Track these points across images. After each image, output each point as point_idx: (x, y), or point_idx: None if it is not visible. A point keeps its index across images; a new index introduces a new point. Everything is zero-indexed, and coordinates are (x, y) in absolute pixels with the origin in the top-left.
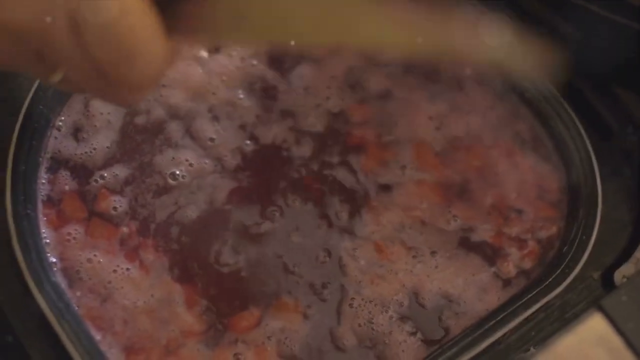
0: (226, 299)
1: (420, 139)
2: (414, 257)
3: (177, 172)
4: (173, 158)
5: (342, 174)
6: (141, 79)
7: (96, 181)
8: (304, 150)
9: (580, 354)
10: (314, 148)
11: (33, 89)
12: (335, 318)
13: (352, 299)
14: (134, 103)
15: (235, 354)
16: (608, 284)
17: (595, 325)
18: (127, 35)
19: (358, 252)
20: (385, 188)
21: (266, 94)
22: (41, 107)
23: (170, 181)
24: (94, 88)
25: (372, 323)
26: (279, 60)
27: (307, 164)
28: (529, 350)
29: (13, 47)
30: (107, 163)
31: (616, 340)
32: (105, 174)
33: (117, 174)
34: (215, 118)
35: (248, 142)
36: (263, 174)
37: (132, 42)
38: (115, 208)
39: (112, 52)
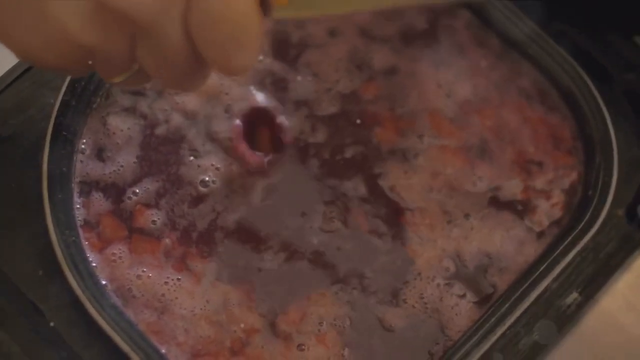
0: (277, 294)
1: (432, 107)
2: (449, 222)
3: (207, 179)
4: (199, 166)
5: (365, 152)
6: (242, 67)
7: (130, 198)
8: (322, 136)
9: (638, 288)
10: (332, 132)
11: (53, 117)
12: (384, 296)
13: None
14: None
15: (299, 345)
16: (633, 219)
17: None
18: (241, 14)
19: (395, 224)
20: (409, 155)
21: (277, 87)
22: (64, 133)
23: (202, 189)
24: (169, 78)
25: (423, 297)
26: (284, 52)
27: (327, 148)
28: (572, 294)
29: (109, 31)
30: (137, 178)
31: None
32: (137, 190)
33: (148, 188)
34: (232, 118)
35: None
36: (290, 167)
37: (244, 22)
38: (154, 222)
39: (222, 33)
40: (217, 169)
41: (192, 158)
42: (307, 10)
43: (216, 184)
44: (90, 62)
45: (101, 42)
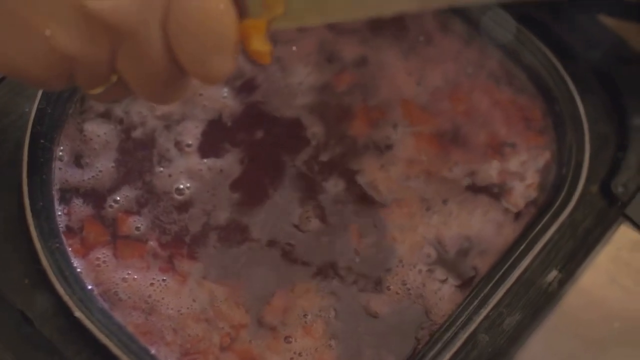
0: (261, 288)
1: (404, 96)
2: (427, 209)
3: (181, 187)
4: (170, 175)
5: (341, 146)
6: (221, 73)
7: (111, 206)
8: (298, 130)
9: (621, 260)
10: (307, 127)
11: (30, 126)
12: (368, 285)
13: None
14: (174, 102)
15: (286, 337)
16: (607, 195)
17: (626, 234)
18: (219, 23)
19: (374, 218)
20: (384, 148)
21: (248, 86)
22: (42, 141)
23: (178, 197)
24: (148, 89)
25: (406, 284)
26: None
27: (305, 143)
28: (551, 272)
29: (91, 40)
30: (116, 185)
31: None
32: (118, 198)
33: (128, 196)
34: (204, 121)
35: (242, 136)
36: (267, 163)
37: (221, 29)
38: (137, 228)
39: (200, 40)
40: (190, 175)
41: (165, 163)
42: (305, 20)
43: (191, 190)
44: (71, 74)
45: (83, 51)
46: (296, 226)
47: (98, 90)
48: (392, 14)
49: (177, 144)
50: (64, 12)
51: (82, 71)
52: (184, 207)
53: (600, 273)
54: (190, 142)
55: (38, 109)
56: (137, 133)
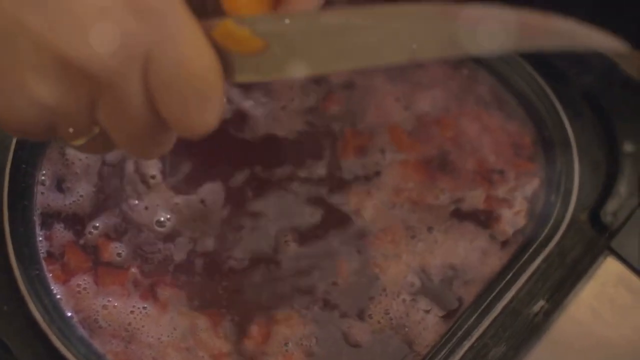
0: (243, 316)
1: (392, 121)
2: (412, 237)
3: (162, 219)
4: (146, 208)
5: (327, 172)
6: (204, 126)
7: (90, 233)
8: (285, 154)
9: (605, 296)
10: (291, 153)
11: (12, 150)
12: (350, 313)
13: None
14: (159, 155)
15: None
16: (596, 223)
17: (611, 268)
18: (201, 76)
19: (358, 245)
20: (372, 174)
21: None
22: (24, 165)
23: (159, 229)
24: (130, 142)
25: (389, 313)
26: None
27: (290, 166)
28: (538, 302)
29: (69, 90)
30: (97, 210)
31: (634, 279)
32: (98, 224)
33: (107, 223)
34: (175, 154)
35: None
36: (247, 189)
37: (204, 84)
38: (119, 254)
39: (181, 94)
40: (171, 207)
41: (136, 202)
42: (284, 71)
43: (171, 221)
44: (51, 126)
45: (61, 102)
46: (277, 251)
47: (80, 142)
48: (383, 65)
49: (142, 176)
50: (41, 60)
51: (62, 122)
52: (163, 235)
53: (583, 308)
54: (154, 174)
55: None
56: (110, 157)
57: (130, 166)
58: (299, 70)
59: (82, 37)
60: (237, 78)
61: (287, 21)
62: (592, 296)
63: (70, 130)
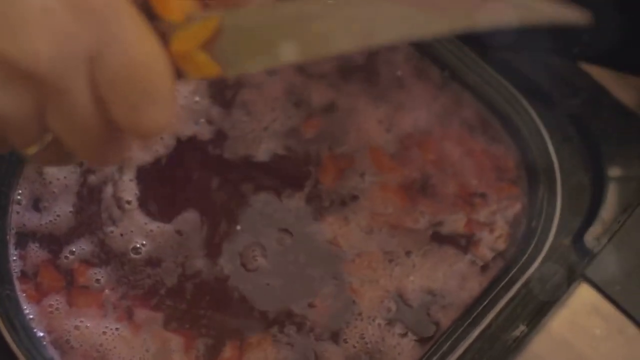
0: (216, 338)
1: (373, 143)
2: (390, 261)
3: (138, 246)
4: (122, 235)
5: (306, 195)
6: (155, 126)
7: (67, 257)
8: (260, 178)
9: (576, 325)
10: (269, 176)
11: None
12: (325, 337)
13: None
14: (116, 162)
15: None
16: (580, 248)
17: (584, 295)
18: (147, 77)
19: (335, 271)
20: (349, 198)
21: (210, 130)
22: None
23: (134, 255)
24: (83, 147)
25: (364, 337)
26: (221, 92)
27: (268, 188)
28: (518, 327)
29: (12, 92)
30: (72, 233)
31: (607, 306)
32: (74, 249)
33: (84, 249)
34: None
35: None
36: (223, 213)
37: (151, 84)
38: (97, 280)
39: (133, 95)
40: (147, 233)
41: (112, 229)
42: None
43: (147, 247)
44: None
45: (7, 108)
46: (252, 272)
47: (33, 150)
48: (341, 52)
49: (117, 201)
50: None
51: (9, 130)
52: (141, 261)
53: (556, 336)
54: (129, 199)
55: None
56: (92, 178)
57: (108, 189)
58: (254, 65)
59: (24, 38)
60: (189, 77)
61: (241, 13)
62: (565, 324)
63: (20, 138)
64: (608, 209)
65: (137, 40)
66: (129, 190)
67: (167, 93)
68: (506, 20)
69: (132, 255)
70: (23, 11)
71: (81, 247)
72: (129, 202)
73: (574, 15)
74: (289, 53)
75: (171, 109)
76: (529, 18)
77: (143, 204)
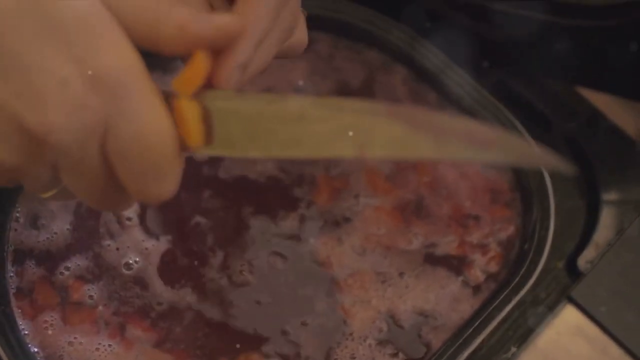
0: (209, 357)
1: (368, 165)
2: (383, 282)
3: (130, 261)
4: (117, 249)
5: (300, 215)
6: (161, 196)
7: (62, 274)
8: (257, 197)
9: (560, 346)
10: (263, 198)
11: None
12: (316, 357)
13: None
14: (125, 210)
15: None
16: (573, 271)
17: (569, 317)
18: (158, 151)
19: (328, 292)
20: (343, 220)
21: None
22: None
23: (126, 271)
24: (92, 200)
25: (354, 357)
26: None
27: (263, 210)
28: (510, 350)
29: (29, 154)
30: (69, 250)
31: (592, 328)
32: (70, 265)
33: (79, 264)
34: None
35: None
36: (219, 233)
37: (161, 158)
38: (91, 296)
39: (141, 167)
40: (140, 250)
41: (109, 242)
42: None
43: (139, 264)
44: (16, 181)
45: (21, 165)
46: (243, 290)
47: (48, 195)
48: (332, 157)
49: (118, 217)
50: (4, 125)
51: (26, 180)
52: (132, 278)
53: (540, 358)
54: (130, 216)
55: None
56: None
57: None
58: (251, 152)
59: (41, 108)
60: (193, 151)
61: (245, 101)
62: (551, 344)
63: (36, 186)
64: (602, 232)
65: (148, 117)
66: (131, 207)
67: (175, 167)
68: (499, 160)
69: (124, 271)
70: (41, 82)
71: (76, 262)
72: (129, 219)
73: (561, 166)
74: (284, 149)
75: (177, 180)
76: (521, 161)
77: (143, 221)
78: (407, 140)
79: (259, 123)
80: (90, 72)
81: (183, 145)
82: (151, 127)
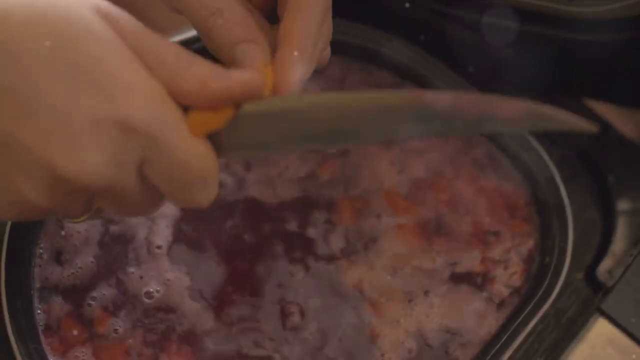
0: None
1: (387, 185)
2: (409, 301)
3: (151, 290)
4: (141, 277)
5: (326, 238)
6: (204, 202)
7: (89, 305)
8: (278, 221)
9: (592, 358)
10: (288, 222)
11: (9, 225)
12: None
13: None
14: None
15: None
16: (593, 282)
17: (601, 329)
18: (198, 171)
19: (356, 311)
20: (368, 240)
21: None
22: (22, 239)
23: (147, 300)
24: (129, 215)
25: None
26: None
27: (286, 234)
28: None
29: (66, 196)
30: (94, 280)
31: (624, 339)
32: (95, 295)
33: (104, 293)
34: (176, 222)
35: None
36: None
37: (201, 176)
38: (116, 330)
39: (183, 186)
40: (163, 280)
41: (133, 270)
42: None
43: (160, 293)
44: (47, 214)
45: (55, 205)
46: (278, 320)
47: (80, 220)
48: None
49: (148, 244)
50: (35, 172)
51: (58, 213)
52: (161, 308)
53: None
54: (160, 244)
55: None
56: (114, 229)
57: (142, 232)
58: (285, 148)
59: (74, 153)
60: (227, 156)
61: (281, 100)
62: (581, 358)
63: (70, 215)
64: (619, 242)
65: (185, 145)
66: (163, 235)
67: (214, 177)
68: (520, 127)
69: (145, 299)
70: (73, 126)
71: (102, 292)
72: (159, 247)
73: (584, 126)
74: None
75: (217, 185)
76: (541, 125)
77: (171, 251)
78: (431, 122)
79: (294, 119)
80: (122, 115)
81: (218, 153)
82: (190, 154)
